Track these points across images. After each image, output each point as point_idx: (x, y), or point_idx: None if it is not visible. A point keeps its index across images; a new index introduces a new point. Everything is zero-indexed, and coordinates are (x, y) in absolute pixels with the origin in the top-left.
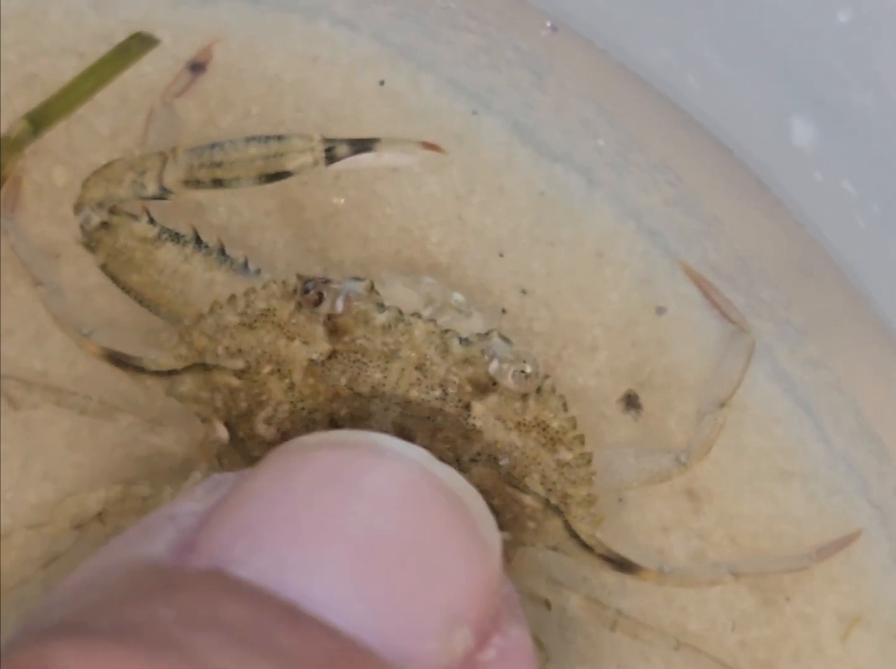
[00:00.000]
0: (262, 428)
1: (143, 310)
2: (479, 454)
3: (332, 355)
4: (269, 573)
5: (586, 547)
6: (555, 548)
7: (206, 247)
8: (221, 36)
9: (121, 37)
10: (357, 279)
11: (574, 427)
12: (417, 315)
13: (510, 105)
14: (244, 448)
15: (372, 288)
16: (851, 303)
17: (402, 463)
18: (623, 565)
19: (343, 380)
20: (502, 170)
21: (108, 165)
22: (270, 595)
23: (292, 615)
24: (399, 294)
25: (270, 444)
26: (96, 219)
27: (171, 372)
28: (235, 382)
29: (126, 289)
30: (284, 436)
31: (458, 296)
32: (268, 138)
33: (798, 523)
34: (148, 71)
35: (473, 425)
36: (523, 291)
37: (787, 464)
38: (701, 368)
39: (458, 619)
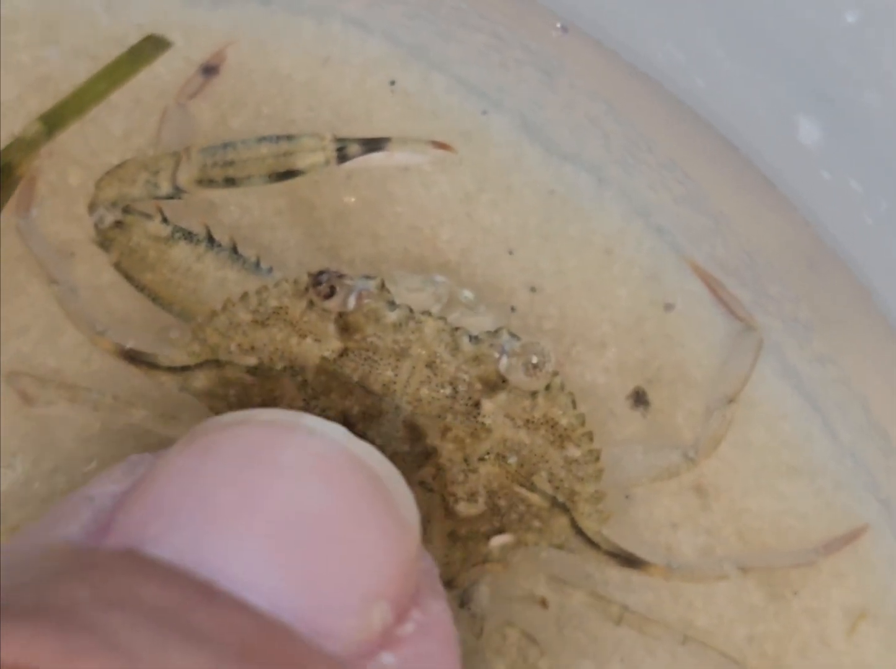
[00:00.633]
0: None
1: (156, 308)
2: (487, 452)
3: (344, 353)
4: (186, 551)
5: (592, 543)
6: (559, 546)
7: (219, 245)
8: (234, 39)
9: (133, 39)
10: (368, 277)
11: (583, 424)
12: (428, 313)
13: (520, 104)
14: None
15: (383, 286)
16: (859, 300)
17: (320, 440)
18: (630, 561)
19: (355, 378)
20: (512, 169)
21: (121, 165)
22: (186, 574)
23: (208, 593)
24: (409, 292)
25: None
26: (110, 218)
27: (184, 369)
28: (248, 379)
29: (139, 287)
30: None
31: (467, 294)
32: (279, 138)
33: (805, 518)
34: (161, 72)
35: (483, 423)
36: (532, 289)
37: (795, 460)
38: (709, 365)
39: (376, 595)
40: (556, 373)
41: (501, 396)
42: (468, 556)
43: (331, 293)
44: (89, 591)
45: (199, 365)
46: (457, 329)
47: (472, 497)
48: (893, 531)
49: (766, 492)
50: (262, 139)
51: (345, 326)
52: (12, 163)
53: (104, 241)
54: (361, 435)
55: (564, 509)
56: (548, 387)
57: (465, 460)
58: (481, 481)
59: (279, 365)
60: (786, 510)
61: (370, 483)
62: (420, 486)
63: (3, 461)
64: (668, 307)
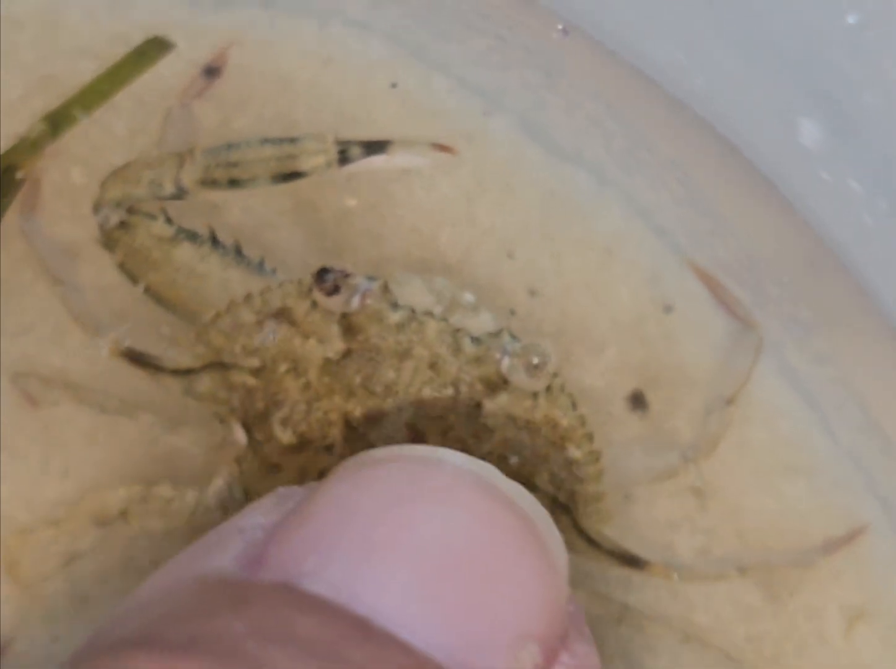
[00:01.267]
0: (278, 431)
1: (160, 309)
2: (489, 453)
3: (347, 354)
4: (340, 587)
5: (593, 543)
6: None
7: (223, 246)
8: (236, 39)
9: (137, 39)
10: (371, 278)
11: (583, 424)
12: (430, 314)
13: (521, 105)
14: (263, 453)
15: (385, 287)
16: (858, 300)
17: (470, 478)
18: (630, 560)
19: (357, 379)
20: (512, 170)
21: (125, 166)
22: (342, 610)
23: (364, 629)
24: (411, 293)
25: (288, 448)
26: (114, 218)
27: (188, 371)
28: (252, 381)
29: (144, 287)
30: (301, 440)
31: (469, 296)
32: (282, 140)
33: (804, 518)
34: (164, 74)
35: (484, 424)
36: (533, 290)
37: (793, 459)
38: (708, 365)
39: (526, 636)
40: (556, 374)
41: (503, 397)
42: None
43: (334, 290)
44: (246, 625)
45: (203, 368)
46: (458, 330)
47: None
48: (892, 530)
49: (764, 492)
50: (264, 141)
51: (348, 327)
52: (16, 163)
53: (108, 242)
54: (363, 438)
55: (565, 509)
56: (548, 388)
57: None
58: None
59: (283, 368)
60: (784, 510)
61: (521, 522)
62: None
63: (13, 460)
64: (668, 308)
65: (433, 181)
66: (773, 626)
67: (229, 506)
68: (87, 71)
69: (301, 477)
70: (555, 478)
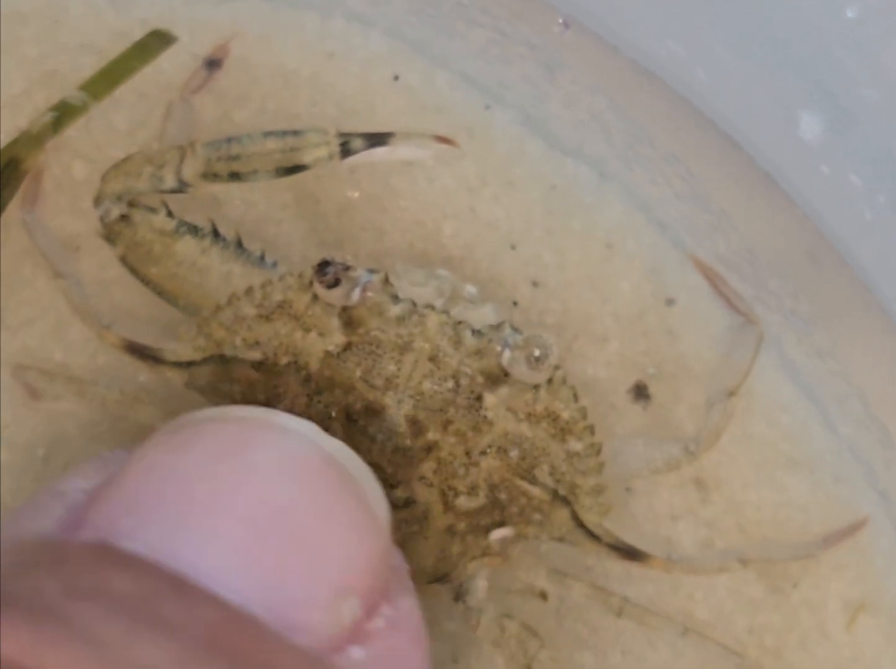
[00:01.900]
0: None
1: (161, 302)
2: (489, 446)
3: (348, 347)
4: (158, 546)
5: (593, 536)
6: (560, 539)
7: (224, 239)
8: (237, 33)
9: (138, 33)
10: (372, 271)
11: (584, 417)
12: (431, 307)
13: (522, 99)
14: None
15: (386, 280)
16: (858, 293)
17: (292, 437)
18: (631, 553)
19: (358, 372)
20: (514, 164)
21: (126, 159)
22: (157, 567)
23: (179, 585)
24: (413, 286)
25: None
26: (115, 211)
27: (190, 364)
28: (253, 374)
29: (145, 281)
30: None
31: (470, 289)
32: (283, 132)
33: (805, 510)
34: (165, 67)
35: (485, 417)
36: (535, 283)
37: (794, 453)
38: (710, 358)
39: (347, 590)
40: (557, 367)
41: (503, 390)
42: (466, 550)
43: (335, 283)
44: (60, 583)
45: (205, 361)
46: (459, 323)
47: (472, 490)
48: (893, 523)
49: (766, 485)
50: (266, 134)
51: (348, 320)
52: (18, 157)
53: (110, 235)
54: (363, 430)
55: (565, 502)
56: (550, 381)
57: (467, 454)
58: (482, 475)
59: (283, 360)
60: (786, 502)
61: (341, 479)
62: (420, 481)
63: (14, 454)
64: (670, 301)
65: (435, 173)
66: (775, 618)
67: None
68: (89, 66)
69: None
70: (555, 471)
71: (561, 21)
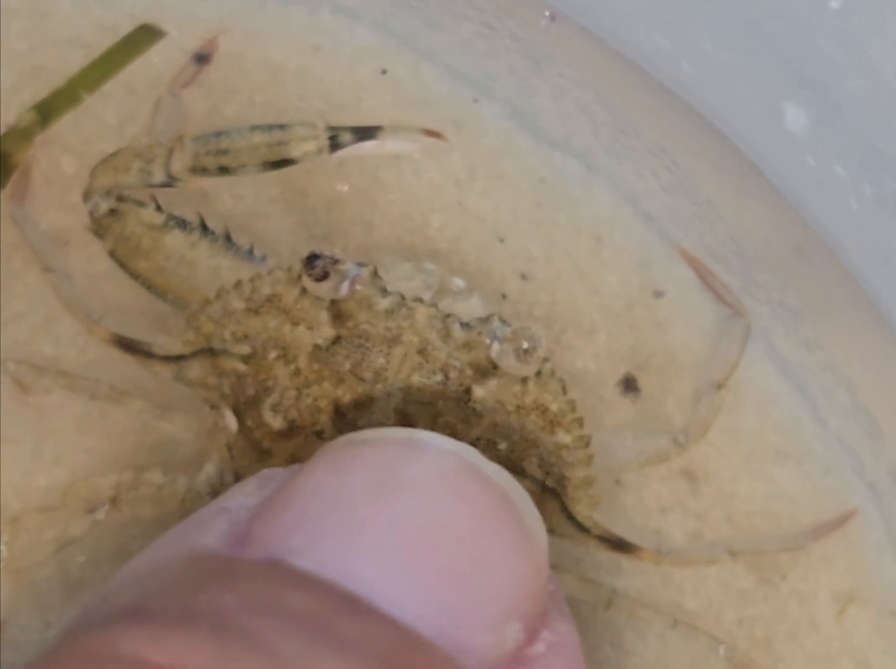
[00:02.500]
0: (269, 417)
1: (150, 296)
2: (478, 438)
3: (337, 340)
4: (328, 564)
5: (583, 528)
6: (550, 531)
7: (213, 234)
8: (226, 27)
9: (126, 28)
10: (360, 264)
11: (573, 409)
12: (419, 300)
13: (509, 92)
14: (253, 438)
15: (375, 273)
16: (845, 284)
17: (452, 459)
18: (620, 545)
19: (347, 366)
20: (502, 157)
21: (115, 154)
22: (330, 585)
23: (353, 604)
24: (401, 279)
25: (279, 434)
26: (104, 206)
27: (179, 358)
28: (242, 367)
29: (134, 275)
30: (291, 426)
31: (459, 282)
32: (272, 126)
33: (794, 502)
34: (154, 61)
35: (474, 409)
36: (523, 276)
37: (783, 444)
38: (698, 350)
39: (510, 613)
40: (546, 359)
41: (492, 382)
42: None
43: (324, 276)
44: (237, 599)
45: (193, 354)
46: (448, 316)
47: None
48: (881, 515)
49: (755, 477)
50: (254, 128)
51: (337, 313)
52: (7, 152)
53: (99, 229)
54: (352, 423)
55: (554, 494)
56: (538, 373)
57: None
58: None
59: (272, 354)
60: (775, 494)
61: (502, 502)
62: None
63: (5, 448)
64: (658, 294)
65: (423, 167)
66: (765, 610)
67: (220, 492)
68: (77, 60)
69: (292, 463)
70: (544, 463)
71: (547, 14)
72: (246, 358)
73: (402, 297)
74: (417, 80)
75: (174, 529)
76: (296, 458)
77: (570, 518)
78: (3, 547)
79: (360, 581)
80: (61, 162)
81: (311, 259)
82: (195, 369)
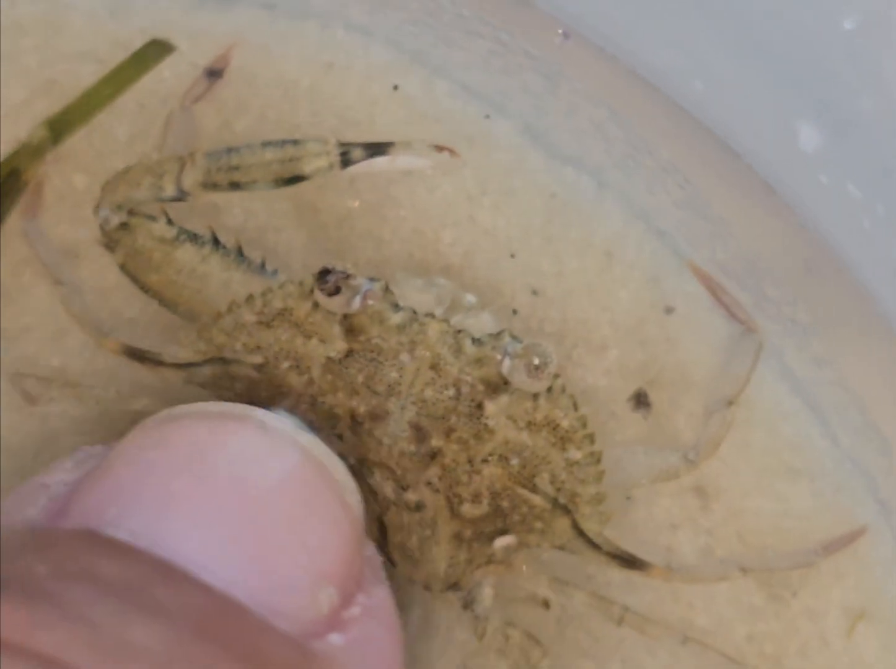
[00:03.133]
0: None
1: (161, 310)
2: (490, 454)
3: (349, 354)
4: (142, 534)
5: (593, 545)
6: (561, 547)
7: (224, 247)
8: (238, 42)
9: (138, 43)
10: (372, 279)
11: (584, 425)
12: (431, 315)
13: (522, 109)
14: None
15: (387, 288)
16: (856, 302)
17: (268, 431)
18: (631, 562)
19: (360, 379)
20: (514, 173)
21: (126, 169)
22: (144, 552)
23: (165, 570)
24: (413, 295)
25: None
26: (115, 219)
27: (189, 365)
28: (255, 375)
29: (145, 288)
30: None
31: (470, 297)
32: (283, 142)
33: (804, 519)
34: (165, 76)
35: (486, 425)
36: (534, 291)
37: (794, 461)
38: (709, 367)
39: (324, 578)
40: (557, 375)
41: (503, 398)
42: (473, 557)
43: (336, 291)
44: (49, 566)
45: (205, 362)
46: (460, 331)
47: (476, 498)
48: (892, 532)
49: (765, 494)
50: (266, 144)
51: (349, 328)
52: (19, 168)
53: (109, 243)
54: (369, 434)
55: (566, 510)
56: (549, 389)
57: (469, 461)
58: (484, 482)
59: (285, 364)
60: (785, 511)
61: (317, 472)
62: (427, 486)
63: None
64: (669, 310)
65: (435, 183)
66: (775, 626)
67: None
68: (89, 75)
69: None
70: (556, 480)
71: (561, 32)
72: (259, 368)
73: (414, 312)
74: (430, 96)
75: None
76: None
77: (582, 535)
78: None
79: (174, 550)
80: (73, 178)
81: (324, 274)
82: (206, 373)
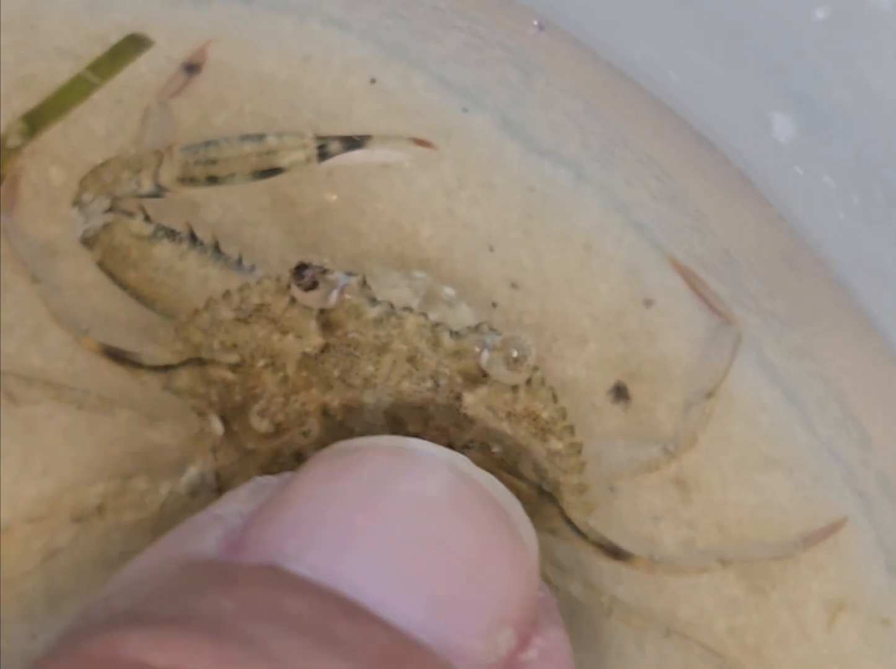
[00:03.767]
0: (255, 421)
1: (139, 307)
2: (471, 441)
3: (325, 348)
4: (323, 569)
5: (580, 533)
6: (552, 532)
7: (201, 244)
8: (215, 37)
9: (115, 38)
10: (349, 273)
11: (564, 417)
12: (409, 309)
13: (499, 102)
14: (238, 440)
15: (364, 282)
16: (834, 293)
17: (444, 468)
18: (615, 552)
19: (336, 373)
20: (492, 166)
21: (104, 164)
22: (327, 590)
23: (349, 608)
24: (390, 288)
25: (264, 436)
26: (98, 209)
27: (167, 367)
28: (230, 376)
29: (123, 285)
30: (278, 428)
31: (448, 291)
32: (261, 136)
33: (784, 511)
34: (143, 71)
35: (465, 414)
36: (513, 284)
37: (773, 453)
38: (688, 359)
39: (502, 620)
40: (536, 368)
41: (482, 390)
42: None
43: (312, 286)
44: (235, 603)
45: (182, 364)
46: (437, 324)
47: None
48: (871, 523)
49: (745, 485)
50: (243, 137)
51: (326, 323)
52: None
53: (87, 240)
54: (342, 425)
55: (551, 498)
56: (529, 382)
57: (451, 447)
58: None
59: (261, 362)
60: (765, 502)
61: (495, 510)
62: None
63: None
64: (648, 303)
65: (412, 176)
66: (756, 618)
67: (199, 492)
68: (66, 70)
69: (275, 458)
70: (538, 468)
71: (536, 23)
72: (234, 367)
73: (392, 306)
74: (407, 89)
75: (167, 536)
76: (279, 453)
77: (569, 522)
78: None
79: (355, 586)
80: (50, 172)
81: (300, 269)
82: (183, 378)
